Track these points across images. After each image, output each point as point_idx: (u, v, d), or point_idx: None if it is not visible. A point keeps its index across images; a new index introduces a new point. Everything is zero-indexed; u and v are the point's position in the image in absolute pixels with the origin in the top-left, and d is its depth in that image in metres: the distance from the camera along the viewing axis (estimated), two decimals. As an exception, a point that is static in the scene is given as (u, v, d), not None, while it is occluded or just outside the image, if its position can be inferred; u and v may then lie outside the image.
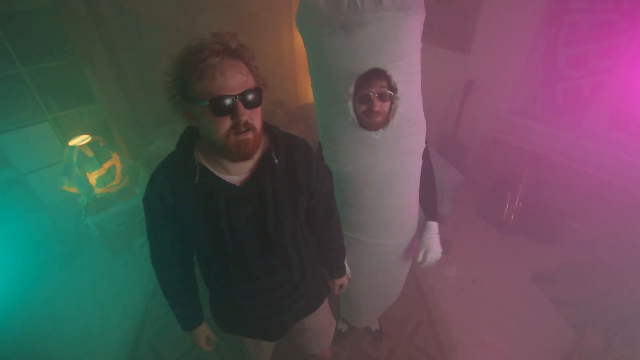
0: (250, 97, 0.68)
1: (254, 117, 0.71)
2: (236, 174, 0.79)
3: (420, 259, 1.26)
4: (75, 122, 2.54)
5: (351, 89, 1.01)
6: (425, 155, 1.21)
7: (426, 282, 2.22)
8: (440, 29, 2.71)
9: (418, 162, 1.19)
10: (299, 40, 2.84)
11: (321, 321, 1.21)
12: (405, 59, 1.00)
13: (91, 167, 2.34)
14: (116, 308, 2.16)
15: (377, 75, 0.98)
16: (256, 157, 0.80)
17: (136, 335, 1.98)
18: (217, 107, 0.66)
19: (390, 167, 1.13)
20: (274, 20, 2.79)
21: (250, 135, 0.71)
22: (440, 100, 2.93)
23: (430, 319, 1.99)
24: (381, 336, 1.89)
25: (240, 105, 0.67)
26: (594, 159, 2.26)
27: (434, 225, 1.27)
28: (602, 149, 2.21)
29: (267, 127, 0.82)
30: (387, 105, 1.02)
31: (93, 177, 2.39)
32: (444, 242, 2.44)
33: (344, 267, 1.22)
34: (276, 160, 0.79)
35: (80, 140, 2.32)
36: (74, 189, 2.43)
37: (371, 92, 0.99)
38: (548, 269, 2.23)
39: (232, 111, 0.67)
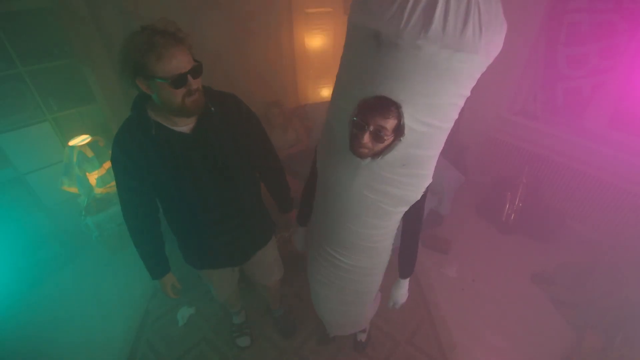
0: (195, 71, 0.92)
1: (198, 83, 0.95)
2: (184, 125, 1.01)
3: (390, 306, 1.34)
4: (75, 122, 2.53)
5: (354, 107, 0.88)
6: (415, 215, 1.09)
7: (426, 282, 2.22)
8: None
9: (395, 211, 1.06)
10: (299, 40, 2.83)
11: (270, 257, 1.49)
12: (429, 103, 0.82)
13: (91, 167, 2.34)
14: (116, 308, 2.16)
15: (383, 108, 0.81)
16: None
17: (136, 335, 1.98)
18: (177, 83, 0.89)
19: (364, 197, 1.02)
20: (274, 20, 2.78)
21: (197, 95, 0.95)
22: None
23: (430, 319, 1.99)
24: (362, 350, 1.83)
25: (191, 78, 0.91)
26: (594, 159, 2.26)
27: (404, 283, 1.26)
28: (602, 149, 2.21)
29: (203, 87, 1.03)
30: (380, 145, 0.88)
31: (93, 177, 2.39)
32: (444, 242, 2.47)
33: (290, 203, 1.45)
34: (212, 109, 1.01)
35: (80, 140, 2.32)
36: (74, 189, 2.43)
37: (367, 123, 0.83)
38: (548, 269, 2.23)
39: (185, 83, 0.90)
